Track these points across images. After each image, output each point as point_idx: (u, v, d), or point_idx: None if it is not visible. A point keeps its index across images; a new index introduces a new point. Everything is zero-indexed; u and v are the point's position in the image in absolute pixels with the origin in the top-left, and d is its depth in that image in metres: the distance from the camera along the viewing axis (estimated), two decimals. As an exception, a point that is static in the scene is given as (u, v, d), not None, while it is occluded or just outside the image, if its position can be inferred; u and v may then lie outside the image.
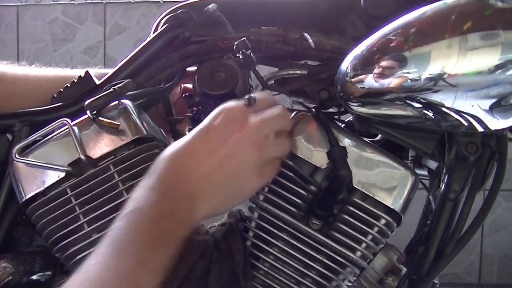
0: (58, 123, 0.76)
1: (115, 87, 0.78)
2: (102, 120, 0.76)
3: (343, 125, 0.86)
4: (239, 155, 0.66)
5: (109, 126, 0.75)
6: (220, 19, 0.80)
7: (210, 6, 0.80)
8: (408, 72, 0.65)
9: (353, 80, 0.71)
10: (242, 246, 0.79)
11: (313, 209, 0.77)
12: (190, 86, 0.94)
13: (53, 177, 0.75)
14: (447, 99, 0.65)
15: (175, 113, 0.89)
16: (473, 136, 0.75)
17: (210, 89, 0.84)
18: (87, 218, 0.73)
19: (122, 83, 0.79)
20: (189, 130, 0.90)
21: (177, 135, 0.88)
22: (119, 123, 0.75)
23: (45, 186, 0.74)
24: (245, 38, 0.80)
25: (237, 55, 0.80)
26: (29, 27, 2.55)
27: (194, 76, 0.87)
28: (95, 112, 0.76)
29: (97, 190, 0.74)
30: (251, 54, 0.80)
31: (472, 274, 2.47)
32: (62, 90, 0.87)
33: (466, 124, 0.68)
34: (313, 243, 0.78)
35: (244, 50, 0.79)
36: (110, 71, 0.89)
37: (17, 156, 0.76)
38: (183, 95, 0.94)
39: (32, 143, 0.77)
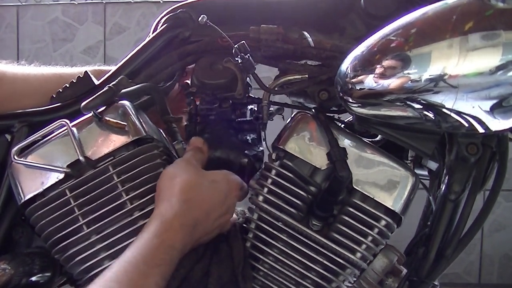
0: (57, 124, 0.76)
1: (110, 85, 0.77)
2: (109, 120, 0.75)
3: (343, 125, 0.86)
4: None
5: (116, 126, 0.75)
6: (212, 29, 0.81)
7: (200, 18, 0.80)
8: (408, 73, 0.64)
9: (353, 80, 0.71)
10: (242, 247, 0.79)
11: (313, 210, 0.77)
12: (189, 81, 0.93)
13: (52, 178, 0.74)
14: (447, 100, 0.64)
15: (172, 107, 0.88)
16: (474, 137, 0.75)
17: (208, 78, 0.84)
18: (86, 220, 0.73)
19: (116, 80, 0.79)
20: (186, 127, 0.89)
21: (173, 133, 0.87)
22: (125, 123, 0.75)
23: (44, 187, 0.74)
24: (244, 42, 0.79)
25: (236, 58, 0.80)
26: (29, 27, 2.55)
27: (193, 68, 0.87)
28: (99, 111, 0.76)
29: (96, 192, 0.73)
30: (250, 58, 0.80)
31: (472, 274, 2.46)
32: (61, 90, 0.87)
33: (466, 125, 0.67)
34: (312, 245, 0.78)
35: (243, 54, 0.79)
36: (109, 68, 0.89)
37: (16, 157, 0.75)
38: (181, 85, 0.94)
39: (31, 144, 0.77)
